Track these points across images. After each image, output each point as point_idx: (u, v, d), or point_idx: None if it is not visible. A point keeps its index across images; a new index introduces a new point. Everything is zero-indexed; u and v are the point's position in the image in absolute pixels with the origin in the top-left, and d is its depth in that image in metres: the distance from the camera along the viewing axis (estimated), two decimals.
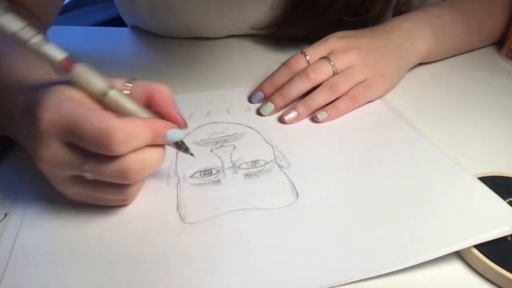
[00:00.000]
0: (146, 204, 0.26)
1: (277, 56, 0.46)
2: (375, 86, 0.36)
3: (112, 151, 0.21)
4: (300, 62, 0.36)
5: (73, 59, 0.22)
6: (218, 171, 0.29)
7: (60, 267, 0.22)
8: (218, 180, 0.28)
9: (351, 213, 0.25)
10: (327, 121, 0.35)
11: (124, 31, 0.55)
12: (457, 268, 0.23)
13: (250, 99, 0.38)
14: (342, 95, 0.35)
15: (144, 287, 0.21)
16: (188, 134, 0.33)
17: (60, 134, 0.22)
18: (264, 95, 0.37)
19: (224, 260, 0.23)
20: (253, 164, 0.30)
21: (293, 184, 0.28)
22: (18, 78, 0.27)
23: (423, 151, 0.31)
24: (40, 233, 0.24)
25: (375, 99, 0.38)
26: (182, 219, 0.25)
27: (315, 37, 0.38)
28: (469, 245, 0.23)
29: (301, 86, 0.35)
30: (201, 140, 0.32)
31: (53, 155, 0.22)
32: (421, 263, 0.22)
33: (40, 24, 0.42)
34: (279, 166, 0.30)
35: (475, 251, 0.23)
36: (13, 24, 0.21)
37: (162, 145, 0.24)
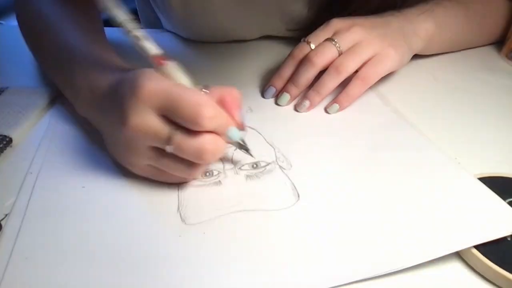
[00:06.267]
0: (146, 204, 0.26)
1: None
2: (386, 59, 0.35)
3: (200, 124, 0.23)
4: (304, 50, 0.36)
5: (165, 56, 0.25)
6: (219, 172, 0.29)
7: (60, 268, 0.22)
8: (219, 181, 0.28)
9: (352, 214, 0.26)
10: (340, 110, 0.35)
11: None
12: (457, 268, 0.23)
13: (262, 95, 0.38)
14: (352, 79, 0.35)
15: (144, 287, 0.21)
16: None
17: (158, 103, 0.23)
18: (275, 89, 0.37)
19: (225, 261, 0.23)
20: (254, 165, 0.30)
21: (294, 186, 0.28)
22: (102, 63, 0.30)
23: (424, 151, 0.31)
24: (40, 234, 0.24)
25: (390, 72, 0.36)
26: (183, 220, 0.25)
27: None
28: (469, 246, 0.23)
29: (307, 73, 0.35)
30: None
31: (143, 123, 0.24)
32: (421, 263, 0.22)
33: (92, 8, 0.41)
34: (280, 167, 0.30)
35: (475, 251, 0.23)
36: (121, 14, 0.25)
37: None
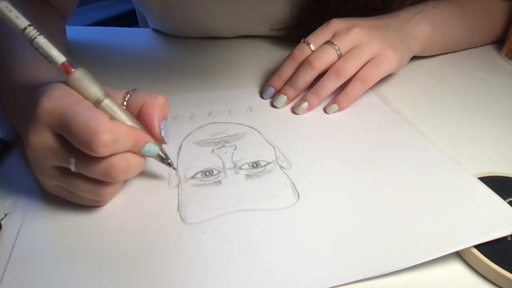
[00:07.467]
0: (146, 204, 0.26)
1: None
2: (386, 60, 0.35)
3: (95, 151, 0.21)
4: (304, 51, 0.36)
5: (72, 63, 0.23)
6: (219, 172, 0.29)
7: (60, 267, 0.22)
8: (219, 181, 0.28)
9: (352, 214, 0.26)
10: (340, 111, 0.35)
11: (134, 31, 0.55)
12: (457, 268, 0.23)
13: (261, 96, 0.38)
14: (352, 79, 0.35)
15: (144, 287, 0.21)
16: (189, 134, 0.33)
17: (53, 123, 0.22)
18: (274, 90, 0.37)
19: (225, 261, 0.23)
20: (254, 164, 0.30)
21: (294, 185, 0.28)
22: (26, 78, 0.28)
23: (424, 151, 0.31)
24: (40, 234, 0.24)
25: (389, 73, 0.36)
26: (182, 220, 0.25)
27: None
28: (469, 246, 0.23)
29: (307, 77, 0.35)
30: (202, 140, 0.32)
31: (41, 142, 0.23)
32: (421, 263, 0.22)
33: (58, 16, 0.41)
34: (281, 167, 0.30)
35: (475, 251, 0.23)
36: (21, 21, 0.22)
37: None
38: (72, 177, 0.24)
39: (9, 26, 0.22)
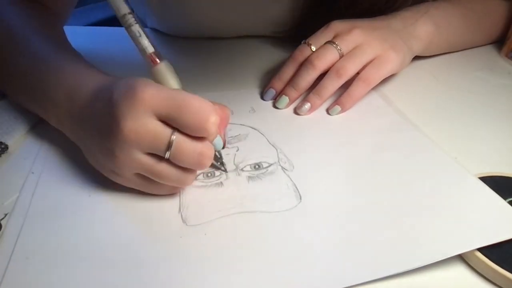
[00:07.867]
0: (148, 205, 0.26)
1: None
2: (388, 60, 0.36)
3: (208, 131, 0.23)
4: (305, 52, 0.36)
5: (159, 55, 0.25)
6: (221, 173, 0.29)
7: (60, 268, 0.22)
8: (221, 182, 0.28)
9: (354, 216, 0.26)
10: (342, 112, 0.35)
11: None
12: (459, 270, 0.23)
13: (262, 97, 0.38)
14: (354, 80, 0.35)
15: None
16: None
17: (158, 107, 0.23)
18: (275, 92, 0.37)
19: (226, 263, 0.23)
20: (257, 166, 0.30)
21: (296, 187, 0.28)
22: (79, 70, 0.29)
23: (426, 152, 0.31)
24: (40, 234, 0.24)
25: (391, 74, 0.37)
26: (184, 221, 0.25)
27: None
28: (472, 249, 0.23)
29: (308, 76, 0.35)
30: None
31: (141, 127, 0.23)
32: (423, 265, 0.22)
33: (54, 17, 0.41)
34: (283, 168, 0.30)
35: (477, 253, 0.23)
36: (124, 6, 0.25)
37: None
38: (161, 163, 0.24)
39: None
